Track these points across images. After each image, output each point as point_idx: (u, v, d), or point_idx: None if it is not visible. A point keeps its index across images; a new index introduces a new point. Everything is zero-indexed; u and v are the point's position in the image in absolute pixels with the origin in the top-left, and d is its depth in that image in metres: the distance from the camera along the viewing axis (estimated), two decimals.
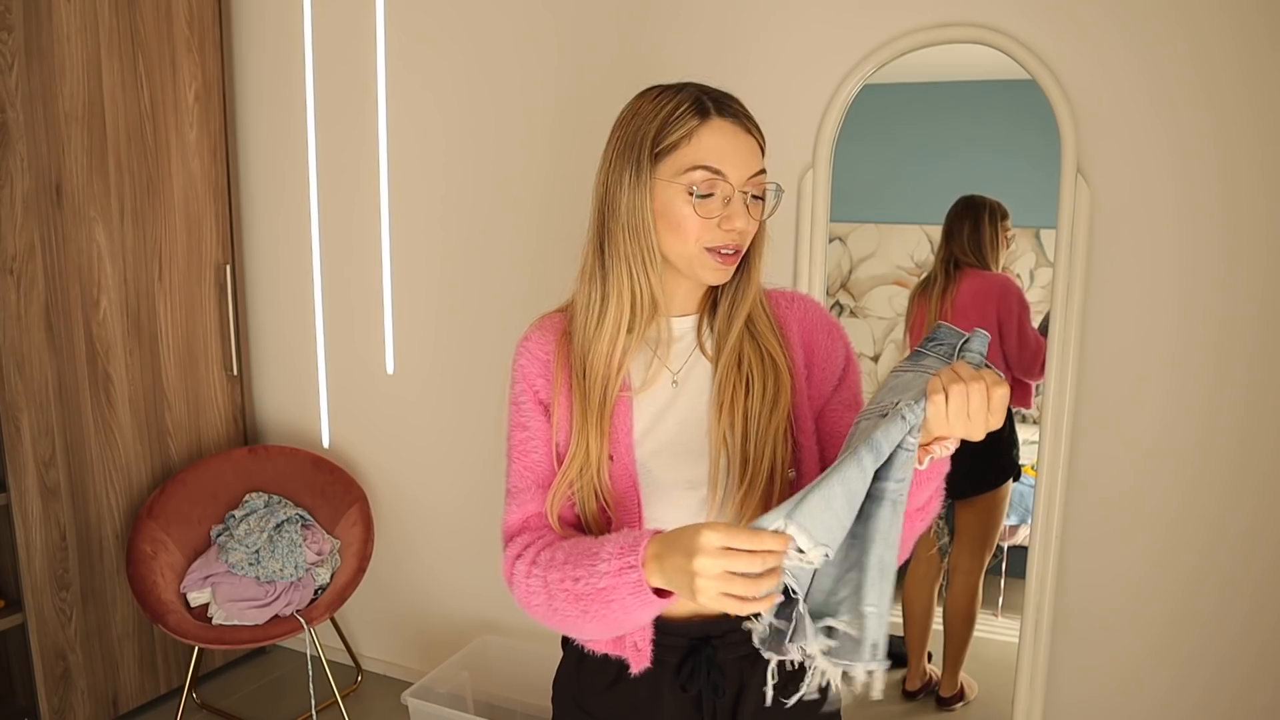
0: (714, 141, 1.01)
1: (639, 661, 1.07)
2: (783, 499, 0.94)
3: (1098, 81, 1.78)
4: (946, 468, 0.98)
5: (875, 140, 2.06)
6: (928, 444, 0.92)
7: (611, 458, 1.06)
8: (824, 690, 0.99)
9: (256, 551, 2.37)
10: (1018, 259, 2.06)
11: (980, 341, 0.93)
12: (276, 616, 2.31)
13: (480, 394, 2.48)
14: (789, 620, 0.90)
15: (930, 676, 2.20)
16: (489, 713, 2.41)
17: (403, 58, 2.42)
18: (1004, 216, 2.02)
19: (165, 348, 2.51)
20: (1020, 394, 2.05)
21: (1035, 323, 2.00)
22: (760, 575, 0.84)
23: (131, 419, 2.43)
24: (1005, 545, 2.20)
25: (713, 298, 1.12)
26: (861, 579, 0.89)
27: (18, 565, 2.19)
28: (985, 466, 2.12)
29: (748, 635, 0.95)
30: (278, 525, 2.44)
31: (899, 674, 2.24)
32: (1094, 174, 1.80)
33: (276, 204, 2.68)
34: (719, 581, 0.84)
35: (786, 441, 1.07)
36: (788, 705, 0.97)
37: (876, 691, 0.89)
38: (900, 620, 2.23)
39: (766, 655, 0.93)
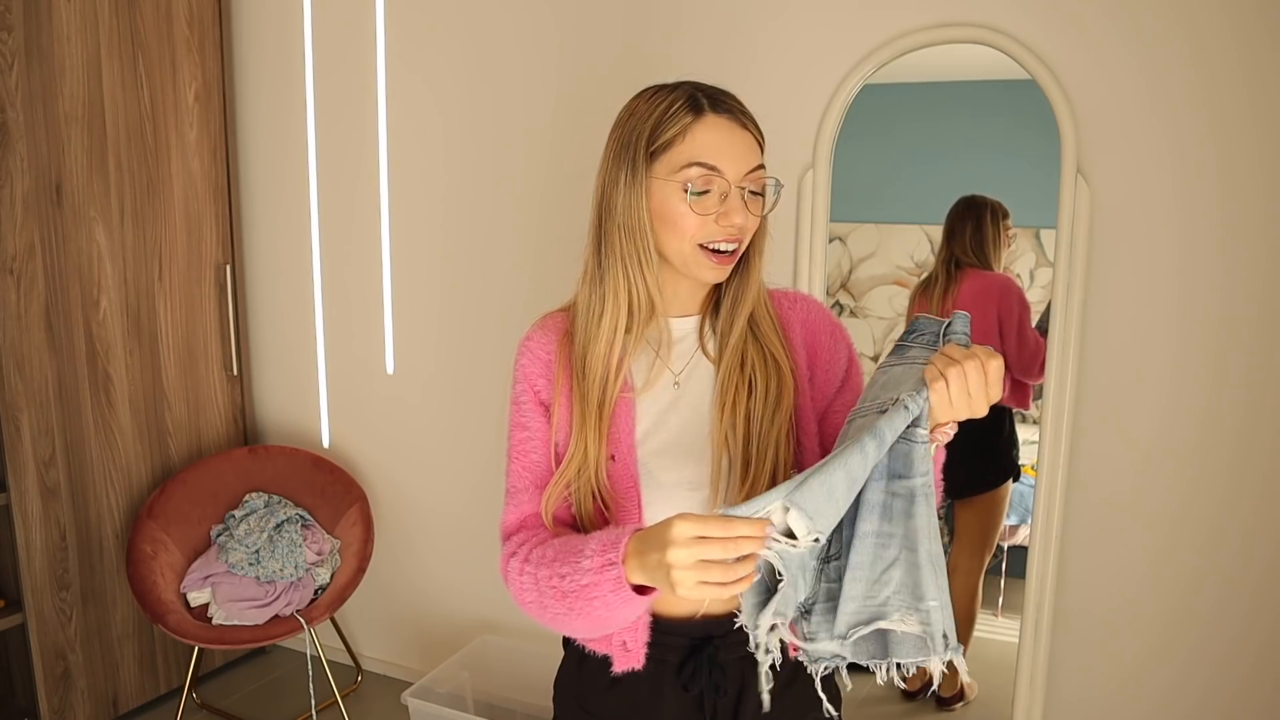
0: (708, 138, 1.01)
1: (625, 661, 1.07)
2: None
3: (1098, 81, 1.78)
4: (944, 457, 0.98)
5: (875, 140, 2.06)
6: (929, 432, 0.92)
7: (613, 458, 1.06)
8: (826, 688, 0.99)
9: (256, 551, 2.37)
10: (1018, 259, 2.06)
11: (962, 322, 0.93)
12: (276, 616, 2.31)
13: (480, 394, 2.48)
14: (773, 605, 0.90)
15: (930, 676, 2.20)
16: (489, 713, 2.41)
17: (403, 57, 2.42)
18: (1005, 216, 2.02)
19: (165, 348, 2.51)
20: (1019, 395, 2.05)
21: (1034, 320, 2.00)
22: (737, 562, 0.84)
23: (131, 419, 2.43)
24: (1005, 545, 2.20)
25: (715, 298, 1.12)
26: (918, 577, 0.89)
27: (18, 565, 2.19)
28: (985, 466, 2.13)
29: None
30: (278, 525, 2.44)
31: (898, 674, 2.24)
32: (1094, 174, 1.80)
33: (276, 204, 2.68)
34: (694, 571, 0.84)
35: (789, 443, 1.07)
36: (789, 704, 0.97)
37: (964, 675, 0.90)
38: None
39: (755, 651, 0.92)
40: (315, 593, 2.41)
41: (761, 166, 1.04)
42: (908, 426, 0.88)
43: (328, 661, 2.48)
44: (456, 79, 2.37)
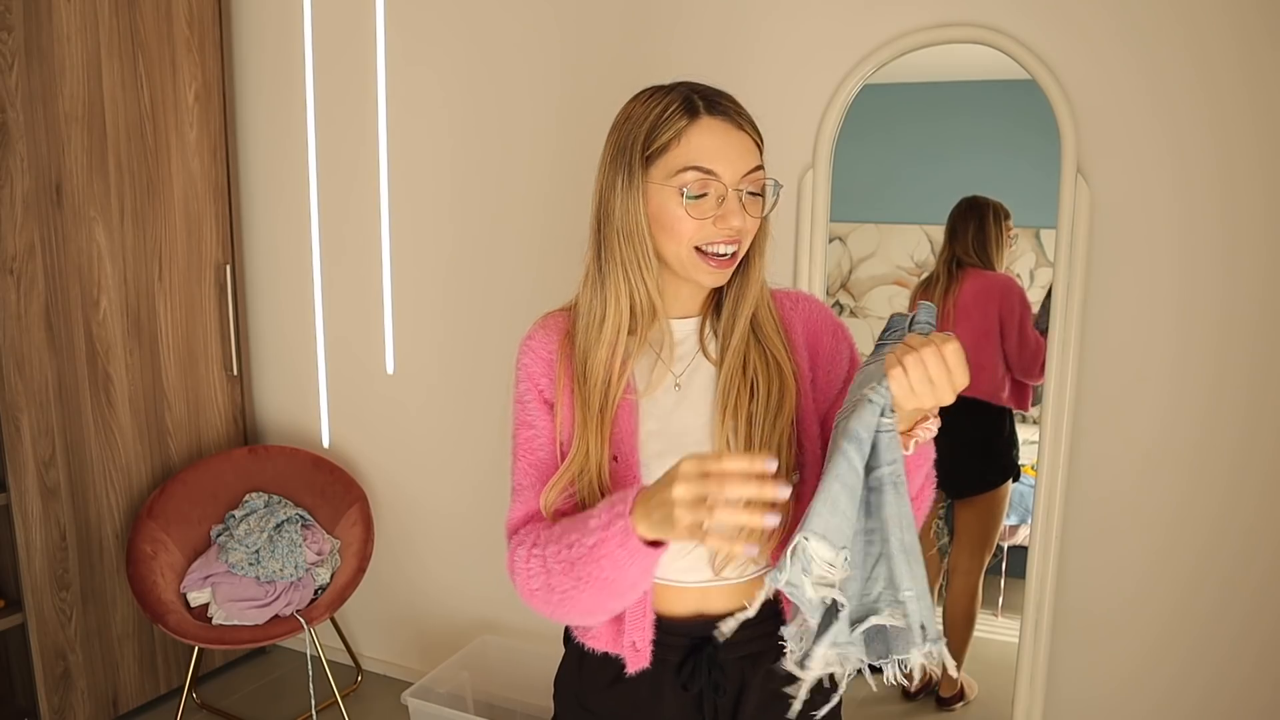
0: (704, 141, 1.00)
1: (637, 661, 1.07)
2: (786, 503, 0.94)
3: (1098, 81, 1.78)
4: (933, 453, 0.99)
5: (875, 140, 2.06)
6: (909, 430, 0.92)
7: (615, 459, 1.06)
8: (827, 689, 0.99)
9: (256, 551, 2.37)
10: (1018, 259, 2.06)
11: (925, 313, 0.93)
12: (276, 616, 2.31)
13: (480, 393, 2.48)
14: (826, 630, 0.89)
15: (930, 676, 2.21)
16: (489, 713, 2.41)
17: (403, 56, 2.42)
18: (1006, 217, 2.02)
19: (165, 348, 2.51)
20: (1019, 397, 2.05)
21: (1035, 318, 2.00)
22: (745, 508, 0.83)
23: (131, 419, 2.43)
24: (1005, 545, 2.20)
25: (716, 299, 1.12)
26: (891, 567, 0.89)
27: (18, 565, 2.19)
28: (985, 466, 2.13)
29: (749, 635, 0.95)
30: (278, 525, 2.44)
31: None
32: (1094, 174, 1.80)
33: (276, 204, 2.68)
34: (693, 509, 0.83)
35: (790, 445, 1.07)
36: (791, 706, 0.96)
37: (951, 669, 0.90)
38: None
39: (801, 674, 0.91)
40: (315, 593, 2.41)
41: (759, 167, 1.03)
42: (878, 417, 0.88)
43: (328, 661, 2.48)
44: (457, 78, 2.37)
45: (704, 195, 1.00)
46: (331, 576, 2.46)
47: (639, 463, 1.06)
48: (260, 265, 2.75)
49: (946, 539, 2.17)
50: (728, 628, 0.94)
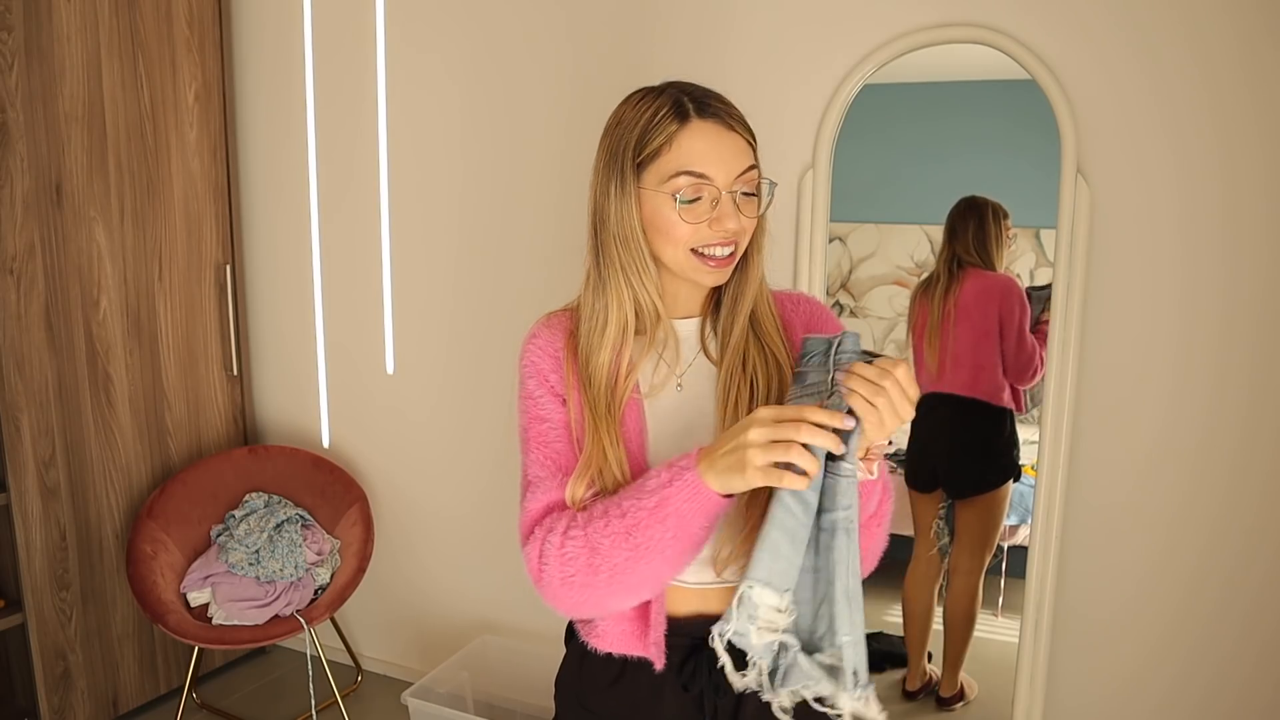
0: (695, 145, 1.00)
1: (660, 659, 1.07)
2: None
3: (1098, 81, 1.78)
4: (886, 466, 1.00)
5: (875, 140, 2.06)
6: (864, 456, 0.93)
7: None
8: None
9: (256, 551, 2.37)
10: (1018, 259, 2.06)
11: (851, 341, 0.93)
12: (276, 616, 2.31)
13: (480, 393, 2.48)
14: (784, 665, 0.91)
15: (930, 676, 2.21)
16: (489, 713, 2.41)
17: (403, 56, 2.42)
18: (1005, 216, 2.02)
19: (165, 348, 2.51)
20: (1019, 397, 2.05)
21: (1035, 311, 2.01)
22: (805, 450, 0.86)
23: (131, 419, 2.43)
24: (1005, 545, 2.20)
25: (715, 298, 1.12)
26: (832, 611, 0.90)
27: (18, 565, 2.19)
28: (985, 467, 2.12)
29: None
30: (278, 525, 2.44)
31: (899, 674, 2.24)
32: (1094, 174, 1.80)
33: (276, 204, 2.68)
34: (767, 451, 0.86)
35: None
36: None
37: (875, 714, 0.90)
38: (900, 620, 2.23)
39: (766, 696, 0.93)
40: (315, 593, 2.41)
41: (753, 167, 1.03)
42: (830, 461, 0.89)
43: (328, 661, 2.48)
44: (457, 77, 2.37)
45: (698, 199, 1.00)
46: (331, 576, 2.46)
47: (647, 464, 1.06)
48: (260, 265, 2.75)
49: (947, 539, 2.17)
50: (718, 642, 0.94)
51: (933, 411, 2.05)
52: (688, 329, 1.12)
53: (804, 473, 0.86)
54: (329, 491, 2.58)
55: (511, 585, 2.49)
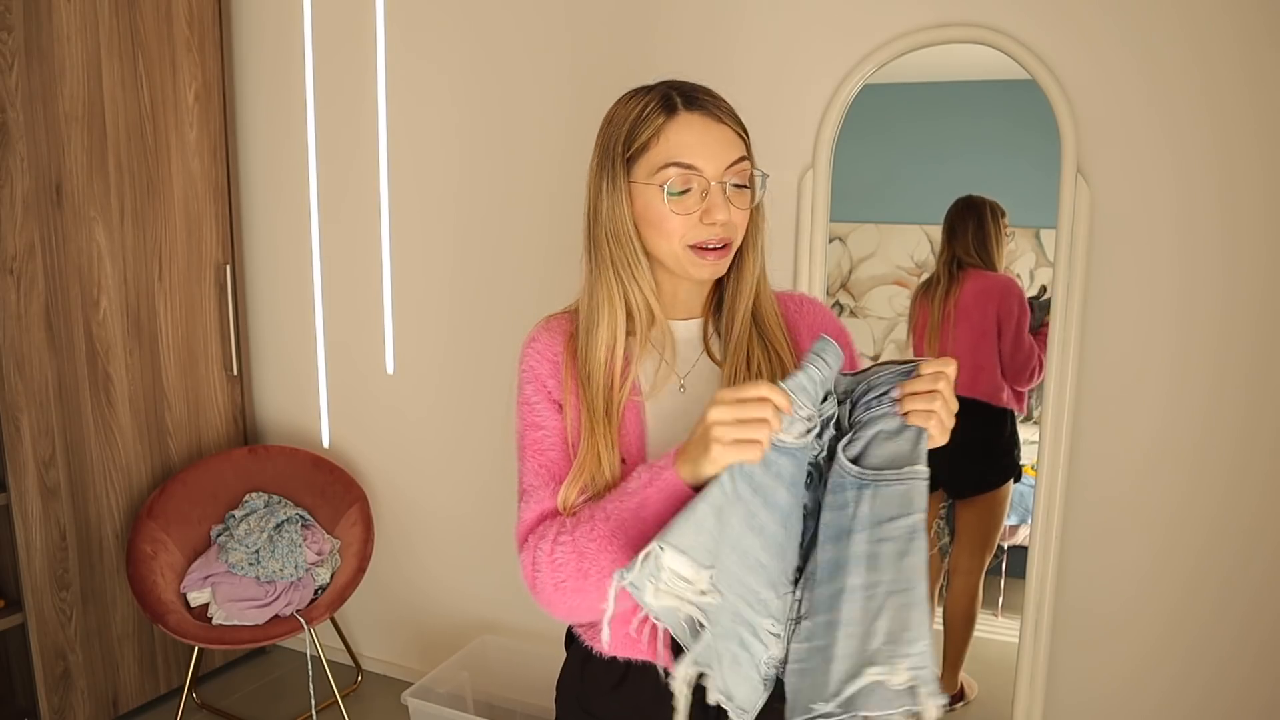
0: (683, 136, 1.00)
1: (668, 660, 1.07)
2: None
3: (1098, 81, 1.78)
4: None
5: (875, 140, 2.05)
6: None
7: (624, 461, 1.05)
8: None
9: (256, 551, 2.37)
10: (1018, 259, 2.06)
11: (831, 353, 0.95)
12: (276, 616, 2.31)
13: (480, 394, 2.48)
14: (692, 654, 0.91)
15: None
16: (489, 713, 2.41)
17: (403, 57, 2.42)
18: (1002, 214, 2.02)
19: (165, 348, 2.51)
20: (1020, 398, 2.05)
21: (1035, 310, 2.00)
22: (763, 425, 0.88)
23: (131, 419, 2.43)
24: (1005, 545, 2.20)
25: (717, 299, 1.12)
26: (908, 616, 0.90)
27: (18, 565, 2.19)
28: (986, 467, 2.12)
29: None
30: (278, 525, 2.44)
31: None
32: (1094, 174, 1.80)
33: (276, 204, 2.68)
34: (732, 428, 0.88)
35: None
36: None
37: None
38: None
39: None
40: (315, 593, 2.41)
41: (744, 159, 1.02)
42: (905, 466, 0.91)
43: (328, 661, 2.48)
44: (457, 78, 2.37)
45: (687, 190, 1.00)
46: (331, 576, 2.46)
47: None
48: (260, 265, 2.75)
49: (947, 539, 2.17)
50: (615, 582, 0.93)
51: None
52: (689, 330, 1.11)
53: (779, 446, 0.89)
54: (329, 491, 2.58)
55: (511, 585, 2.49)
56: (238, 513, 2.48)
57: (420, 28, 2.39)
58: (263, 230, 2.73)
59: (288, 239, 2.67)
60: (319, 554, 2.45)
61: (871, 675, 0.90)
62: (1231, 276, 1.74)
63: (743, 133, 1.04)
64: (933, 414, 0.91)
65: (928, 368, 0.92)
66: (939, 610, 2.19)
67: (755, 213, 1.07)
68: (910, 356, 0.96)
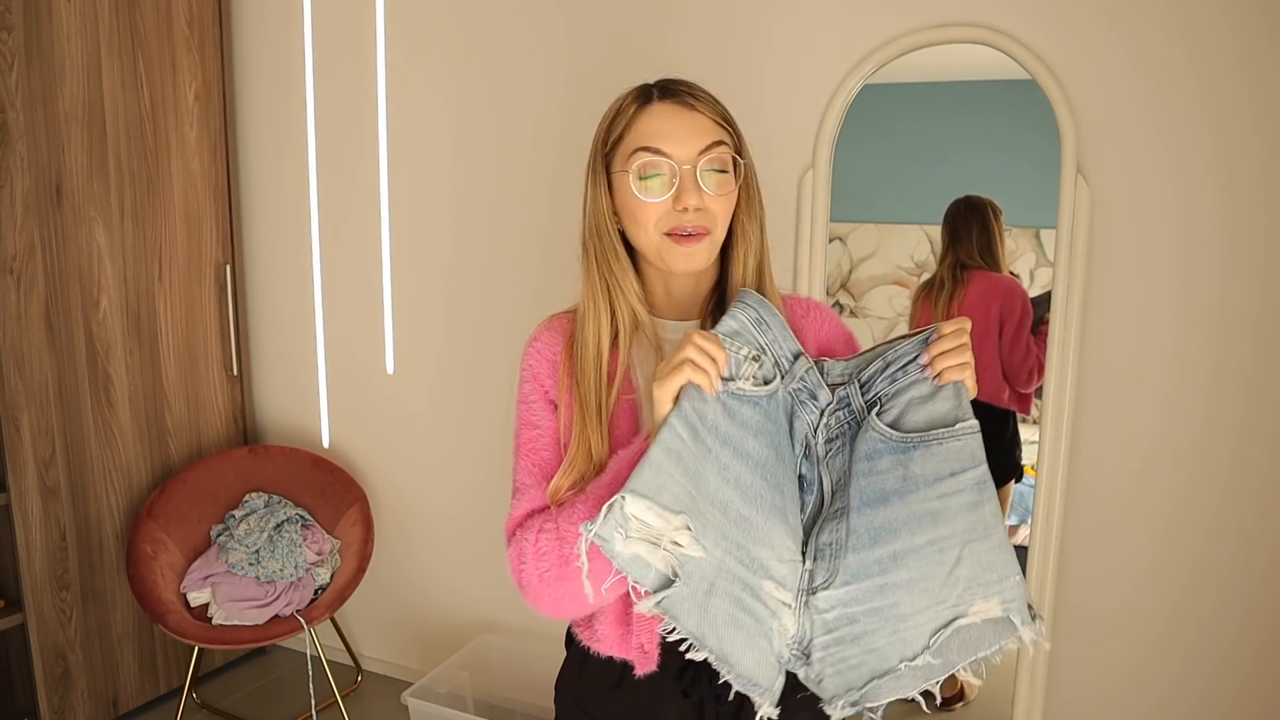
0: (652, 124, 1.01)
1: (645, 664, 1.07)
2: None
3: (1098, 81, 1.78)
4: None
5: (875, 140, 2.05)
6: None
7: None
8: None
9: (256, 551, 2.37)
10: (1018, 259, 2.06)
11: (751, 298, 1.00)
12: (276, 616, 2.31)
13: (480, 394, 2.48)
14: (656, 598, 0.91)
15: None
16: (489, 713, 2.41)
17: (403, 56, 2.42)
18: (1000, 213, 2.02)
19: (165, 348, 2.51)
20: (1021, 399, 2.05)
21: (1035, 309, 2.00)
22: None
23: (131, 419, 2.43)
24: None
25: (717, 300, 1.12)
26: (996, 557, 0.92)
27: (18, 565, 2.19)
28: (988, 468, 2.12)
29: None
30: (278, 525, 2.44)
31: None
32: (1094, 174, 1.80)
33: (276, 204, 2.68)
34: (664, 369, 0.93)
35: None
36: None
37: (1038, 643, 0.94)
38: None
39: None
40: (315, 593, 2.41)
41: (720, 143, 1.02)
42: (957, 423, 0.93)
43: (328, 661, 2.48)
44: (457, 77, 2.37)
45: (656, 175, 1.01)
46: (331, 576, 2.46)
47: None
48: (260, 265, 2.75)
49: None
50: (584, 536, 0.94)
51: None
52: (684, 330, 1.11)
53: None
54: (329, 491, 2.58)
55: (511, 585, 2.46)
56: (238, 513, 2.48)
57: (420, 29, 2.39)
58: (263, 230, 2.73)
59: (288, 239, 2.67)
60: (319, 554, 2.45)
61: (963, 621, 0.93)
62: (1231, 276, 1.74)
63: (722, 121, 1.04)
64: (967, 365, 0.93)
65: (948, 327, 0.94)
66: None
67: (745, 205, 1.06)
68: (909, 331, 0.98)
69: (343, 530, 2.53)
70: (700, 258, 1.03)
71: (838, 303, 2.24)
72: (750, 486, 0.93)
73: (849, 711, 0.96)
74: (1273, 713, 1.81)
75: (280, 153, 2.64)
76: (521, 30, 2.27)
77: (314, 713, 2.45)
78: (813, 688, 0.97)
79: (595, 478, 1.02)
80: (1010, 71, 1.82)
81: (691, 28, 2.09)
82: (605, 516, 0.88)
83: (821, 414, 0.98)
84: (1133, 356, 1.83)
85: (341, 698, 2.45)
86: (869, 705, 0.94)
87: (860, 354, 1.00)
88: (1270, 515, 1.77)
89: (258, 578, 2.34)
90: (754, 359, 0.96)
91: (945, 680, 0.95)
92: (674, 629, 0.91)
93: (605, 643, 1.10)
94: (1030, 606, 0.93)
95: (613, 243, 1.06)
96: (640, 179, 1.01)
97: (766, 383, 0.96)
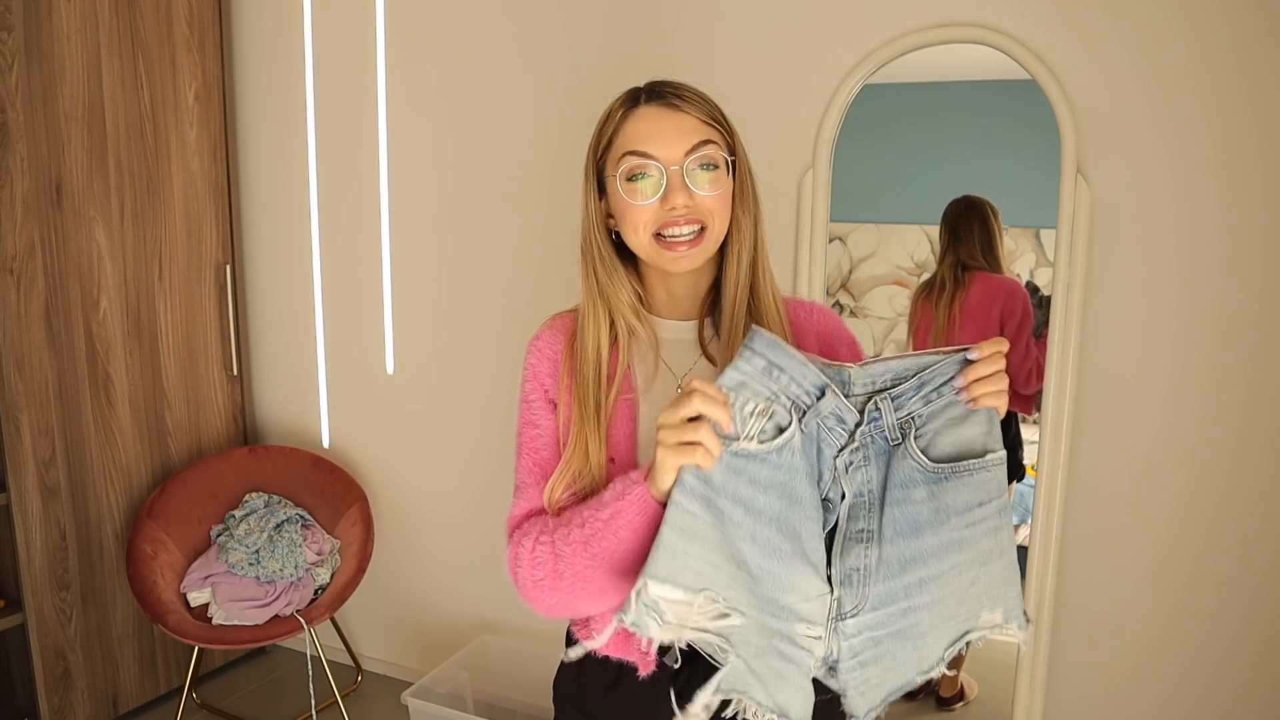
0: (639, 126, 1.02)
1: (646, 665, 1.07)
2: None
3: (1097, 81, 1.78)
4: None
5: (875, 140, 2.05)
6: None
7: (613, 460, 1.05)
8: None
9: (256, 551, 2.37)
10: (1018, 259, 2.05)
11: (760, 341, 0.93)
12: (276, 616, 2.31)
13: (480, 394, 2.48)
14: (715, 681, 0.92)
15: (930, 680, 2.20)
16: (489, 713, 2.41)
17: (403, 56, 2.42)
18: (998, 214, 2.02)
19: (165, 348, 2.51)
20: (1023, 399, 2.04)
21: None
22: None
23: (131, 419, 2.43)
24: None
25: (715, 299, 1.12)
26: (1008, 576, 0.98)
27: (18, 565, 2.19)
28: None
29: None
30: (278, 525, 2.44)
31: None
32: (1094, 174, 1.80)
33: (276, 204, 2.68)
34: (674, 431, 0.89)
35: None
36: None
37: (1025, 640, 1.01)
38: None
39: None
40: (315, 593, 2.41)
41: (708, 142, 1.02)
42: (987, 454, 0.96)
43: (328, 661, 2.48)
44: (458, 78, 2.37)
45: (643, 177, 1.01)
46: (331, 576, 2.46)
47: (634, 466, 1.06)
48: (260, 265, 2.75)
49: None
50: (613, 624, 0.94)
51: None
52: (680, 331, 1.11)
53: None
54: (329, 491, 2.58)
55: (511, 585, 2.49)
56: (238, 513, 2.48)
57: (420, 29, 2.39)
58: (263, 230, 2.73)
59: (288, 239, 2.67)
60: (319, 554, 2.45)
61: (973, 634, 0.98)
62: (1231, 275, 1.74)
63: (711, 120, 1.04)
64: (1003, 393, 0.95)
65: (988, 348, 0.94)
66: None
67: (739, 202, 1.06)
68: (946, 347, 0.96)
69: (343, 530, 2.53)
70: (694, 258, 1.03)
71: (838, 303, 2.24)
72: (767, 541, 0.92)
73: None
74: (1273, 713, 1.81)
75: (280, 153, 2.64)
76: (522, 30, 2.27)
77: (314, 713, 2.45)
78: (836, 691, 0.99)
79: (593, 497, 1.01)
80: (1010, 71, 1.82)
81: (691, 28, 2.09)
82: (635, 605, 0.89)
83: (851, 434, 0.96)
84: (1133, 356, 1.83)
85: (341, 698, 2.45)
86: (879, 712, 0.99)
87: (886, 360, 0.96)
88: (1270, 515, 1.77)
89: (258, 578, 2.34)
90: (761, 413, 0.92)
91: (946, 680, 0.97)
92: (740, 700, 0.92)
93: (617, 648, 1.09)
94: (1024, 613, 0.99)
95: (605, 249, 1.07)
96: (629, 182, 1.01)
97: (782, 430, 0.92)
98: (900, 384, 0.95)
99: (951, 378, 0.95)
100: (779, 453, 0.92)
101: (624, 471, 1.05)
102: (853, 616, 0.96)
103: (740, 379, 0.91)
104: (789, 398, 0.93)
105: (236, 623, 2.27)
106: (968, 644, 0.99)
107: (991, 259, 2.02)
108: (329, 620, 2.61)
